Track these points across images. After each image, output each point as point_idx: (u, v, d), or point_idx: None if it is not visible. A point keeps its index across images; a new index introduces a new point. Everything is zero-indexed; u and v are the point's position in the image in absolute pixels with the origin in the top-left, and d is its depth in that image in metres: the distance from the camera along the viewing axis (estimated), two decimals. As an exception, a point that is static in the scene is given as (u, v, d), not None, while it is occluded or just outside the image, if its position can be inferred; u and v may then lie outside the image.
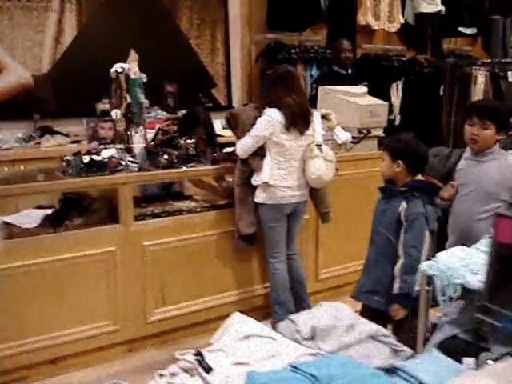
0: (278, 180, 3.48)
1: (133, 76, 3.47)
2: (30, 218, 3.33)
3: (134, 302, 3.43)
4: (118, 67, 3.41)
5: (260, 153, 3.48)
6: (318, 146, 3.55)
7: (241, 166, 3.55)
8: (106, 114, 5.21)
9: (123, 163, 3.38)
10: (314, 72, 6.21)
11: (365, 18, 6.73)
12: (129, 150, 3.52)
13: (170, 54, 5.63)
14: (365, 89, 4.75)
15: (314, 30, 6.51)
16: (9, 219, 3.37)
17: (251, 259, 3.86)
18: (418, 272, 2.47)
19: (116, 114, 3.42)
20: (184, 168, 3.55)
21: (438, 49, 7.31)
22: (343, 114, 4.34)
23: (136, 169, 3.44)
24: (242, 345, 1.67)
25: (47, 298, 3.15)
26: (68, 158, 3.30)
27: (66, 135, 5.07)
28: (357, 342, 1.78)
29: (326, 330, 1.77)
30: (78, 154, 3.42)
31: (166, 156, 3.52)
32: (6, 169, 4.37)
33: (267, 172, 3.48)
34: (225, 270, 3.75)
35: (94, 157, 3.31)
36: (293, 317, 1.95)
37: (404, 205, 2.77)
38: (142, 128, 3.60)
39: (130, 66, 3.46)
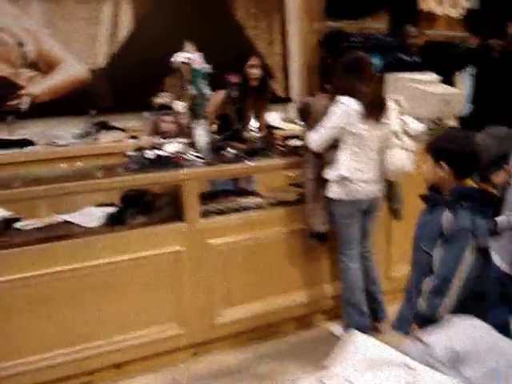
0: (354, 173, 3.25)
1: (197, 66, 3.28)
2: (91, 216, 3.20)
3: (199, 304, 3.26)
4: (181, 57, 3.23)
5: (334, 144, 3.25)
6: (396, 134, 3.30)
7: (313, 160, 3.33)
8: (163, 108, 5.10)
9: (187, 158, 3.20)
10: (377, 61, 5.90)
11: (427, 3, 6.41)
12: (192, 144, 3.34)
13: (227, 46, 5.44)
14: (436, 76, 4.45)
15: (374, 17, 6.22)
16: (69, 218, 3.25)
17: (321, 258, 3.64)
18: (446, 296, 2.17)
19: (179, 106, 3.24)
20: (251, 162, 3.35)
21: (504, 33, 6.90)
22: (414, 103, 4.07)
23: (201, 164, 3.26)
24: (371, 375, 1.41)
25: (110, 300, 3.01)
26: (130, 153, 3.14)
27: (124, 130, 4.95)
28: (507, 367, 1.51)
29: (466, 352, 1.51)
30: (140, 149, 3.27)
31: (231, 150, 3.33)
32: (64, 165, 4.27)
33: (343, 165, 3.25)
34: (294, 269, 3.54)
35: (158, 152, 3.15)
36: (420, 336, 1.70)
37: (448, 215, 2.27)
38: (205, 121, 3.42)
39: (194, 56, 3.27)
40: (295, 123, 5.72)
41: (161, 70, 5.28)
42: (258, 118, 4.14)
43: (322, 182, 3.32)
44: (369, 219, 3.43)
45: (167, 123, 3.54)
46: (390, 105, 3.32)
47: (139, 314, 3.11)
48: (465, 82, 5.90)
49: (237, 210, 3.42)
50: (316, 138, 3.25)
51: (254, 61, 4.08)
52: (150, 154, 3.12)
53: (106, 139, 4.75)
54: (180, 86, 3.27)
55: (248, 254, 3.37)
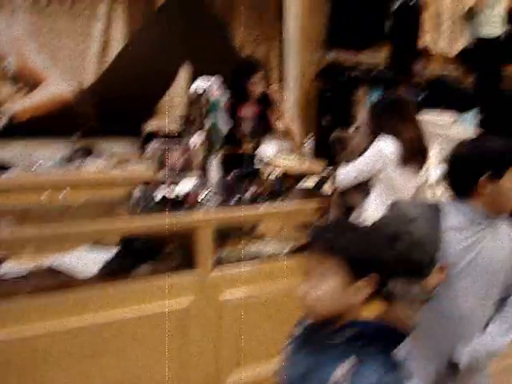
0: None
1: (213, 97, 2.92)
2: (85, 262, 2.76)
3: (206, 369, 2.84)
4: (198, 87, 2.85)
5: (363, 188, 2.93)
6: (431, 188, 3.00)
7: (338, 200, 3.01)
8: (152, 136, 4.71)
9: (202, 199, 2.82)
10: (376, 96, 5.66)
11: (424, 40, 6.22)
12: (205, 182, 2.96)
13: (223, 72, 5.08)
14: (452, 117, 4.21)
15: (372, 51, 5.98)
16: (58, 263, 2.79)
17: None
18: None
19: (195, 142, 2.86)
20: (271, 204, 2.99)
21: (498, 75, 6.80)
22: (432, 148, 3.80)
23: (214, 206, 2.88)
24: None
25: (104, 365, 2.56)
26: (138, 192, 2.74)
27: (111, 157, 4.51)
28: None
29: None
30: (146, 185, 2.87)
31: (250, 191, 2.96)
32: (44, 197, 3.82)
33: (370, 212, 2.94)
34: None
35: (168, 192, 2.75)
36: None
37: (346, 367, 1.38)
38: (218, 157, 3.05)
39: (211, 85, 2.90)
40: (292, 157, 5.40)
41: (154, 93, 4.94)
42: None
43: None
44: None
45: (176, 156, 3.14)
46: (433, 153, 3.02)
47: (140, 378, 2.67)
48: (468, 123, 5.71)
49: (249, 257, 3.04)
50: (343, 176, 3.01)
51: (259, 77, 3.68)
52: (159, 193, 2.73)
53: (92, 167, 4.30)
54: (197, 119, 2.88)
55: (263, 307, 2.98)
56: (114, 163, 4.43)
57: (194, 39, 4.95)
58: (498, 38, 6.66)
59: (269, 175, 3.09)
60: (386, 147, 2.90)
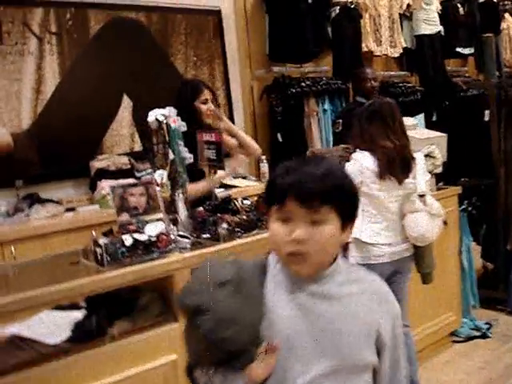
0: (373, 237, 2.76)
1: (173, 125, 2.65)
2: (51, 326, 2.42)
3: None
4: (157, 114, 2.58)
5: None
6: (421, 196, 2.82)
7: None
8: (103, 173, 4.39)
9: (173, 240, 2.54)
10: (327, 106, 5.52)
11: (366, 43, 6.14)
12: (174, 221, 2.69)
13: (166, 99, 4.80)
14: (414, 120, 4.08)
15: (316, 61, 5.85)
16: (20, 329, 2.45)
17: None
18: None
19: (162, 176, 2.58)
20: (249, 237, 2.73)
21: (442, 71, 6.79)
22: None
23: (188, 245, 2.60)
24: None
25: None
26: (102, 240, 2.43)
27: (58, 202, 4.16)
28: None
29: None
30: (109, 233, 2.57)
31: (224, 225, 2.69)
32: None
33: (358, 227, 2.73)
34: None
35: (138, 236, 2.46)
36: None
37: None
38: (184, 191, 2.78)
39: (169, 112, 2.63)
40: (246, 179, 5.18)
41: (97, 128, 4.62)
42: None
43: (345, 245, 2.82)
44: (399, 285, 2.93)
45: (136, 196, 2.84)
46: (419, 161, 2.84)
47: None
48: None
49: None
50: None
51: (206, 95, 3.33)
52: (128, 239, 2.43)
53: (40, 215, 3.94)
54: (159, 149, 2.60)
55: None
56: (63, 208, 4.08)
57: (133, 68, 4.67)
58: (438, 33, 6.67)
59: (242, 203, 2.83)
60: (363, 161, 2.74)
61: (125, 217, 2.71)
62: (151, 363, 2.37)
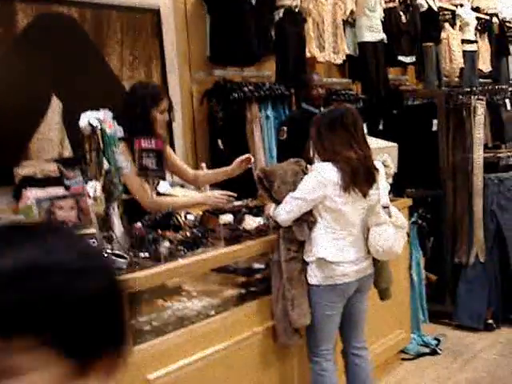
0: (336, 255, 2.55)
1: (109, 130, 2.34)
2: None
3: None
4: (90, 118, 2.26)
5: (307, 218, 2.54)
6: (385, 207, 2.63)
7: (284, 235, 2.58)
8: (29, 180, 3.98)
9: (110, 259, 2.22)
10: (270, 113, 5.30)
11: (309, 49, 5.96)
12: (108, 238, 2.37)
13: (99, 100, 4.44)
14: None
15: (258, 65, 5.62)
16: None
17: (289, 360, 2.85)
18: None
19: (95, 188, 2.27)
20: (193, 256, 2.45)
21: (384, 80, 6.71)
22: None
23: (125, 266, 2.30)
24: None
25: None
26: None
27: (-23, 214, 3.74)
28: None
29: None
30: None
31: (166, 243, 2.40)
32: None
33: (321, 245, 2.61)
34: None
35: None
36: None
37: None
38: (120, 204, 2.47)
39: (104, 115, 2.32)
40: (183, 187, 4.87)
41: (22, 131, 4.20)
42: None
43: (302, 263, 2.66)
44: (359, 305, 2.75)
45: (65, 210, 2.51)
46: (380, 170, 2.64)
47: None
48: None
49: (173, 323, 2.49)
50: (282, 211, 2.62)
51: (165, 104, 3.08)
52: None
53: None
54: (93, 158, 2.28)
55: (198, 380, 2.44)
56: (-17, 221, 3.66)
57: (65, 66, 4.29)
58: (382, 41, 6.59)
59: (186, 218, 2.55)
60: (325, 173, 2.55)
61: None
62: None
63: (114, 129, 2.36)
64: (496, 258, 4.36)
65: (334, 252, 2.59)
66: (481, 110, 4.26)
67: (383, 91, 6.48)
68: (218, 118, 5.03)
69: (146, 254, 2.41)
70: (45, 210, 2.43)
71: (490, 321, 4.40)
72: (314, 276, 2.63)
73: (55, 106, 4.31)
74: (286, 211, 2.59)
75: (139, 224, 2.53)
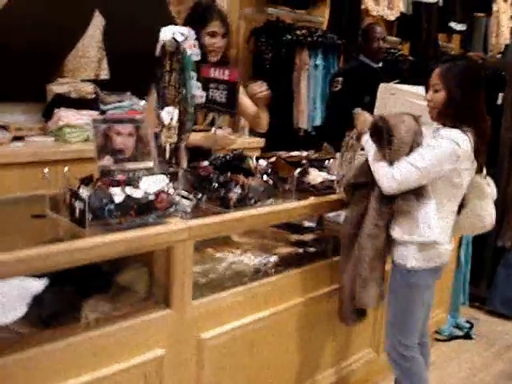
0: (442, 234, 2.27)
1: (189, 51, 2.01)
2: (6, 301, 1.79)
3: None
4: (175, 33, 1.92)
5: (417, 190, 2.18)
6: (487, 180, 2.35)
7: (380, 206, 2.24)
8: (62, 100, 3.66)
9: (175, 201, 1.93)
10: (320, 61, 4.94)
11: (364, 2, 5.56)
12: (174, 176, 2.07)
13: (144, 23, 4.06)
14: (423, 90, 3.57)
15: (311, 9, 5.23)
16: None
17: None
18: None
19: (171, 115, 1.95)
20: (263, 207, 2.16)
21: (435, 44, 6.35)
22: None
23: (189, 209, 2.01)
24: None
25: None
26: (84, 191, 1.79)
27: (5, 128, 3.42)
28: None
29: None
30: (87, 180, 1.93)
31: (237, 188, 2.10)
32: None
33: (429, 223, 2.22)
34: (314, 350, 2.51)
35: (131, 191, 1.84)
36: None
37: None
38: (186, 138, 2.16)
39: (189, 33, 1.98)
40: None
41: (59, 46, 3.84)
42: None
43: (387, 241, 2.30)
44: (433, 289, 2.46)
45: (123, 136, 2.19)
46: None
47: None
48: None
49: (230, 279, 2.22)
50: (398, 178, 2.13)
51: (215, 27, 2.66)
52: (119, 195, 1.81)
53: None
54: (172, 80, 1.96)
55: (253, 344, 2.20)
56: (11, 136, 3.36)
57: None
58: (436, 3, 6.20)
59: (257, 162, 2.25)
60: (464, 141, 2.13)
61: (108, 161, 2.08)
62: (129, 361, 1.79)
63: (195, 50, 2.02)
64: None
65: (440, 232, 2.24)
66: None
67: (432, 55, 6.12)
68: (266, 59, 4.66)
69: (212, 198, 2.12)
70: (101, 133, 2.11)
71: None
72: (413, 258, 2.25)
73: (97, 22, 3.94)
74: (398, 179, 2.12)
75: (206, 163, 2.23)
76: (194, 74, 2.07)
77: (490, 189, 2.38)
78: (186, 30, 1.97)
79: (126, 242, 1.71)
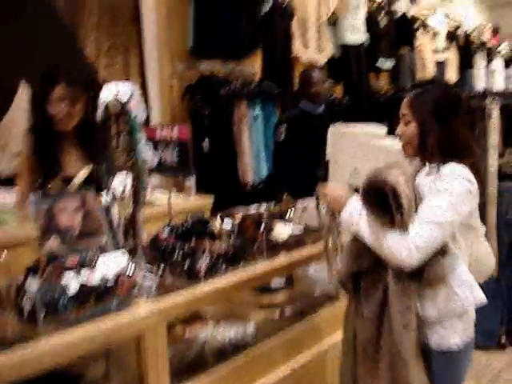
0: (474, 292, 1.87)
1: (134, 111, 1.80)
2: None
3: None
4: (119, 92, 1.72)
5: (441, 249, 1.78)
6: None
7: (404, 286, 1.77)
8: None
9: (139, 280, 1.69)
10: (258, 111, 4.82)
11: (294, 47, 5.53)
12: (132, 251, 1.83)
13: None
14: (384, 128, 3.48)
15: (243, 61, 5.13)
16: None
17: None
18: None
19: (124, 184, 1.73)
20: (235, 272, 1.94)
21: (365, 84, 6.39)
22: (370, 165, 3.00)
23: (154, 287, 1.76)
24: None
25: None
26: (32, 283, 1.52)
27: None
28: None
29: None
30: (37, 268, 1.66)
31: (205, 256, 1.88)
32: None
33: (462, 282, 1.82)
34: None
35: (86, 278, 1.59)
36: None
37: None
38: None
39: (127, 90, 1.77)
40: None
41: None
42: None
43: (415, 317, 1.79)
44: None
45: (68, 213, 1.94)
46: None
47: None
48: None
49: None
50: (422, 245, 1.70)
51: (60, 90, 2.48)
52: (73, 283, 1.55)
53: None
54: (123, 145, 1.74)
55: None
56: None
57: (35, 48, 3.68)
58: (362, 44, 6.28)
59: (221, 224, 2.04)
60: (470, 177, 1.79)
61: (54, 242, 1.83)
62: None
63: (140, 108, 1.82)
64: (510, 273, 4.03)
65: (472, 290, 1.83)
66: (495, 113, 3.94)
67: (365, 94, 6.17)
68: (203, 116, 4.50)
69: (177, 271, 1.88)
70: (44, 211, 1.86)
71: (503, 339, 4.08)
72: (454, 332, 1.82)
73: (24, 92, 3.69)
74: (421, 247, 1.69)
75: (166, 231, 2.00)
76: (142, 136, 1.85)
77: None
78: (127, 86, 1.76)
79: (90, 340, 1.44)
